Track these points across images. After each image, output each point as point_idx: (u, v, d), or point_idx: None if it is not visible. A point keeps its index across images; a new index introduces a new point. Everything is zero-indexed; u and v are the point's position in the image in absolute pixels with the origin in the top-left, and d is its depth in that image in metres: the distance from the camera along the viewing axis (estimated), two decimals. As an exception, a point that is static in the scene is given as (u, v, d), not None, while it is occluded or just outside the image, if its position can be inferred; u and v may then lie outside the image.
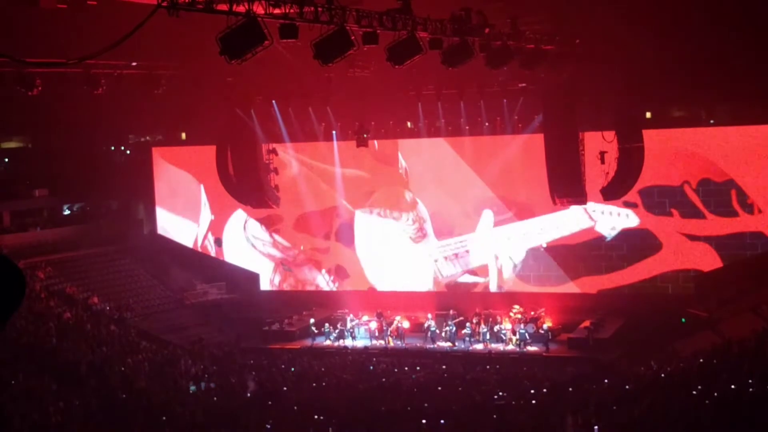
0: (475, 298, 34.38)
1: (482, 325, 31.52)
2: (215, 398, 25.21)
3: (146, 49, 24.92)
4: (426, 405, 22.73)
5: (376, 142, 34.96)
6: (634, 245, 33.01)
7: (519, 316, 32.11)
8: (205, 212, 38.68)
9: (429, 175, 35.59)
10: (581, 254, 33.69)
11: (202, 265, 38.96)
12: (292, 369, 28.86)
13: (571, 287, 33.93)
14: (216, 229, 38.59)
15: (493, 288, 34.86)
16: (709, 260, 32.17)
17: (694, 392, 21.04)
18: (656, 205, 32.56)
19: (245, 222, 38.13)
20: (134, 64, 28.13)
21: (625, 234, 33.07)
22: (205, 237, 38.86)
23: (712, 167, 31.90)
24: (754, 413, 18.68)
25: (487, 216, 34.72)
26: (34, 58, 22.30)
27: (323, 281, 37.36)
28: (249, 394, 25.75)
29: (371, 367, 28.80)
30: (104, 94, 27.35)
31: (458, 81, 29.95)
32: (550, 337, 30.82)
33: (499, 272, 34.81)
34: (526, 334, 30.69)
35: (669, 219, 32.53)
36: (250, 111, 33.49)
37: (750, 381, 21.01)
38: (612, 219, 33.17)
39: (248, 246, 38.10)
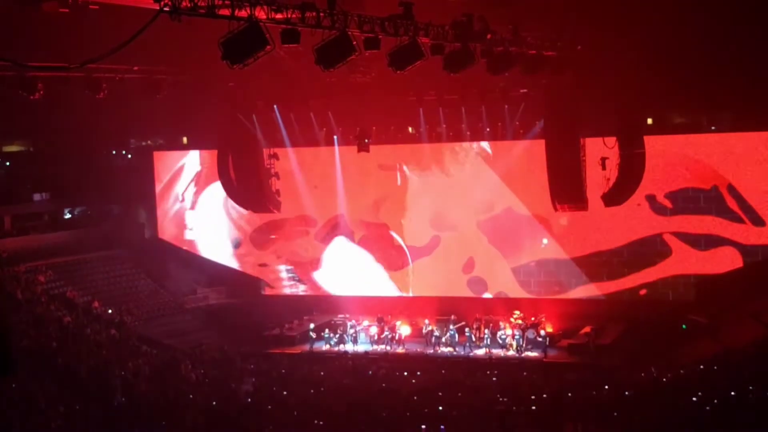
0: (475, 303, 34.36)
1: (483, 331, 31.51)
2: (215, 402, 25.19)
3: (148, 54, 25.08)
4: (426, 410, 22.72)
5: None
6: (637, 252, 32.96)
7: (519, 321, 32.08)
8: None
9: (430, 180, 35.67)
10: (583, 261, 33.69)
11: (202, 269, 38.97)
12: (293, 374, 28.83)
13: (572, 293, 33.90)
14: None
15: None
16: (724, 263, 32.10)
17: (695, 399, 21.05)
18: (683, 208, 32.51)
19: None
20: (136, 68, 28.18)
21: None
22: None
23: (712, 173, 31.91)
24: (754, 420, 18.69)
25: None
26: (35, 62, 22.31)
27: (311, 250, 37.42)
28: (249, 399, 25.72)
29: (371, 372, 28.77)
30: (106, 99, 27.38)
31: (460, 86, 29.94)
32: (547, 343, 30.80)
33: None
34: (526, 340, 30.68)
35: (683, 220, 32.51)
36: (252, 116, 33.50)
37: (750, 388, 21.02)
38: None
39: (223, 214, 38.08)
